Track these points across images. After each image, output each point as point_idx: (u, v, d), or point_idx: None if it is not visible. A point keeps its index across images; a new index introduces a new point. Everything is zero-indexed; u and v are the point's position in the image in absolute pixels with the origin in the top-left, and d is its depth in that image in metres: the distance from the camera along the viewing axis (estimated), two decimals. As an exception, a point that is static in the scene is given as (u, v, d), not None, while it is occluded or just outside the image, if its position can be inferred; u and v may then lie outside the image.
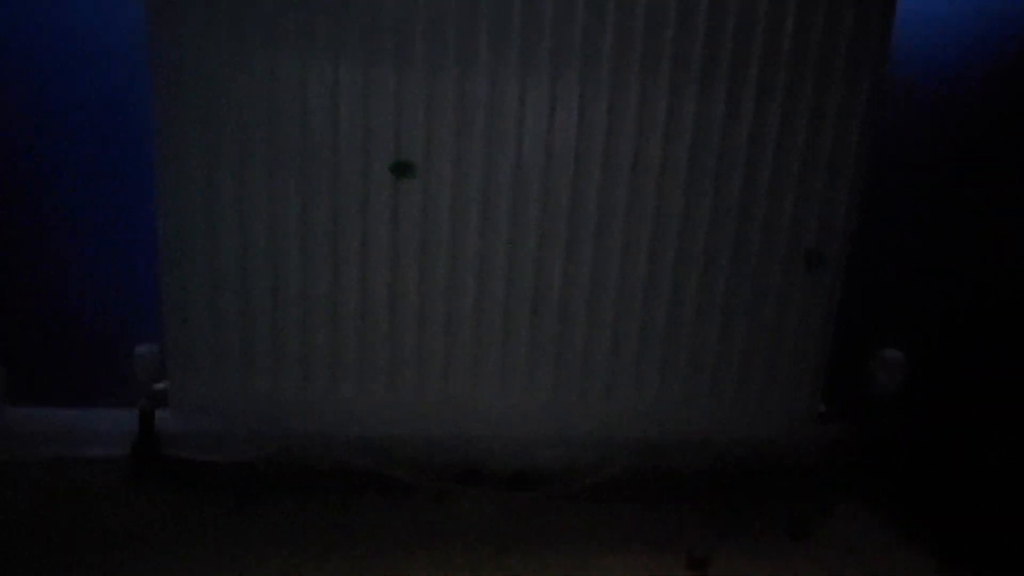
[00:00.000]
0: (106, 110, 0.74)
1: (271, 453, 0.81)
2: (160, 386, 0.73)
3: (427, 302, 0.73)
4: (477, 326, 0.74)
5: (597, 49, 0.69)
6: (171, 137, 0.67)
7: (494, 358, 0.75)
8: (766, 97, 0.72)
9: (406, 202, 0.71)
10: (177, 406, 0.72)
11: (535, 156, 0.71)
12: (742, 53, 0.71)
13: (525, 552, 0.69)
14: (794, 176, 0.74)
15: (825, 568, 0.72)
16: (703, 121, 0.72)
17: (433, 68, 0.68)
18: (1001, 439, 0.83)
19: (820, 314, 0.78)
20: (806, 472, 0.87)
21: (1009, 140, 0.87)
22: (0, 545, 0.64)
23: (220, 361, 0.71)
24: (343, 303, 0.72)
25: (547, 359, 0.76)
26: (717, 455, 0.86)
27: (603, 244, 0.73)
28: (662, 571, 0.68)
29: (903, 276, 0.89)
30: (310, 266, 0.71)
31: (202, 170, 0.68)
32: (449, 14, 0.67)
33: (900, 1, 0.73)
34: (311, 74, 0.67)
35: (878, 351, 0.86)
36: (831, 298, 0.78)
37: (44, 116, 0.74)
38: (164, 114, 0.66)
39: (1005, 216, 0.90)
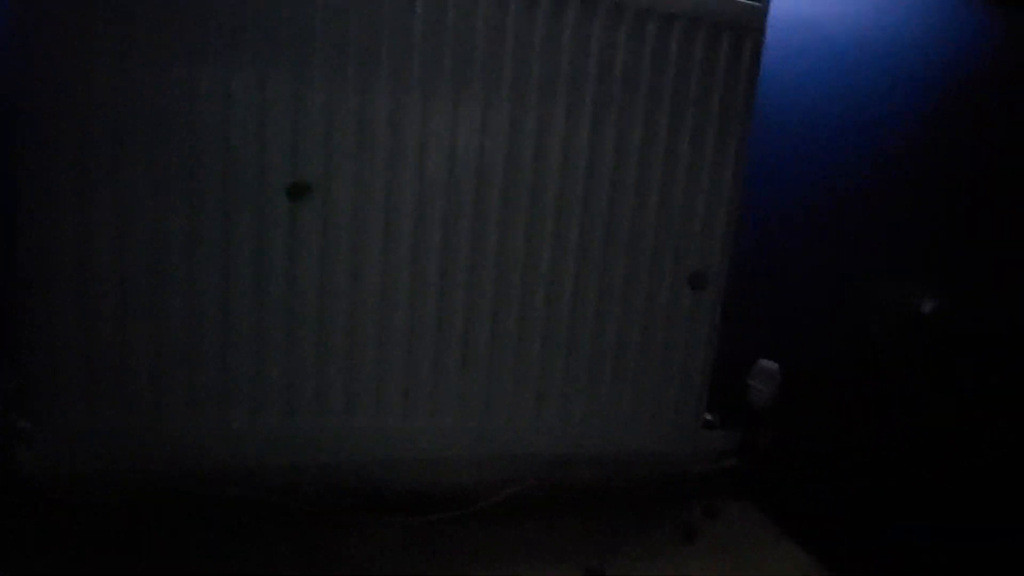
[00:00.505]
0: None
1: (157, 489, 0.76)
2: (24, 424, 0.66)
3: (325, 324, 0.71)
4: (379, 348, 0.73)
5: (498, 78, 0.71)
6: (38, 146, 0.61)
7: (397, 381, 0.75)
8: (651, 136, 0.77)
9: (304, 222, 0.69)
10: (42, 446, 0.66)
11: (438, 178, 0.71)
12: (631, 90, 0.75)
13: (429, 571, 0.69)
14: (678, 207, 0.80)
15: (712, 565, 0.77)
16: (596, 153, 0.76)
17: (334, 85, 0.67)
18: (863, 440, 0.94)
19: (704, 331, 0.84)
20: (696, 478, 0.94)
21: (858, 169, 0.98)
22: None
23: (92, 397, 0.66)
24: (235, 327, 0.69)
25: (450, 382, 0.76)
26: (615, 467, 0.90)
27: (503, 267, 0.75)
28: (560, 585, 0.70)
29: (776, 294, 0.98)
30: (196, 287, 0.67)
31: (74, 199, 0.62)
32: (350, 40, 0.66)
33: (765, 53, 0.81)
34: (201, 85, 0.64)
35: (755, 362, 0.94)
36: (713, 315, 0.85)
37: None
38: (32, 120, 0.60)
39: (864, 238, 1.02)
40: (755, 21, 0.78)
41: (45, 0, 0.59)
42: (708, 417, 0.88)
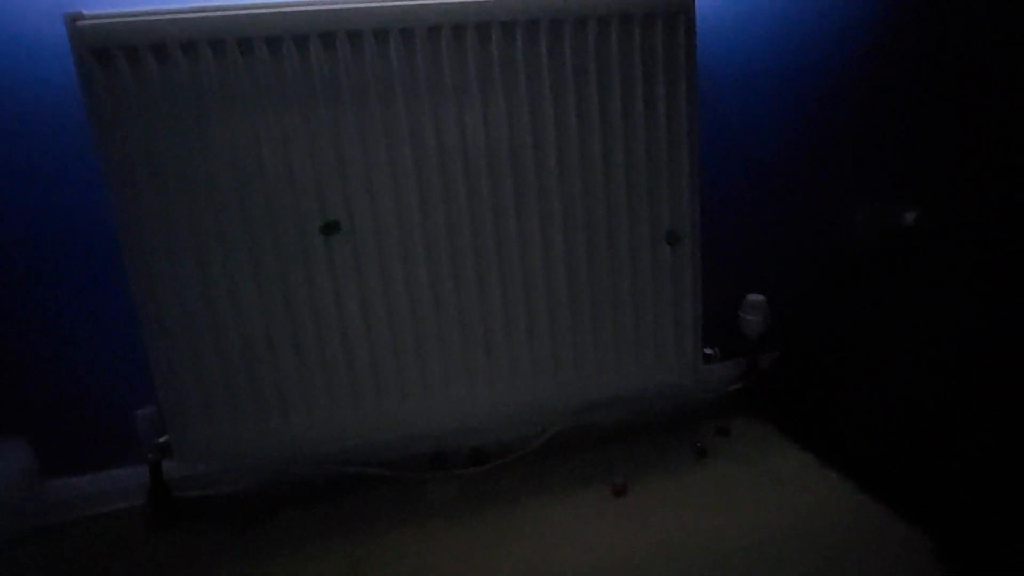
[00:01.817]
0: (74, 213, 0.88)
1: (267, 479, 0.97)
2: (163, 439, 0.88)
3: (373, 332, 0.89)
4: (440, 343, 0.90)
5: (489, 74, 0.84)
6: (131, 227, 0.80)
7: (438, 367, 0.92)
8: (607, 116, 0.89)
9: (340, 251, 0.86)
10: (179, 455, 0.87)
11: (446, 164, 0.86)
12: (582, 81, 0.88)
13: (485, 512, 0.87)
14: (643, 175, 0.92)
15: (725, 473, 0.91)
16: (561, 138, 0.88)
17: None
18: (848, 355, 1.04)
19: (688, 278, 0.97)
20: (707, 406, 1.07)
21: (812, 115, 1.07)
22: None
23: (209, 410, 0.86)
24: (306, 345, 0.87)
25: (481, 361, 0.92)
26: (634, 407, 1.05)
27: (503, 255, 0.90)
28: (592, 502, 0.86)
29: (758, 232, 1.09)
30: (271, 316, 0.86)
31: (166, 252, 0.81)
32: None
33: (702, 25, 0.91)
34: (247, 153, 0.82)
35: (744, 297, 1.06)
36: (694, 264, 0.97)
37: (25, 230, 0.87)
38: (122, 211, 0.79)
39: (832, 179, 1.11)
40: (683, 4, 0.89)
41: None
42: (708, 351, 1.01)
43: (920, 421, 0.88)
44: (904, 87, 1.12)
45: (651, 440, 1.01)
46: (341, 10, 0.80)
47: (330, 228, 0.85)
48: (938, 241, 1.12)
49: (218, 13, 0.77)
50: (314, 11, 0.79)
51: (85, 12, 0.75)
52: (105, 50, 0.75)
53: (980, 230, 1.11)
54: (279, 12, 0.78)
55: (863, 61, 1.08)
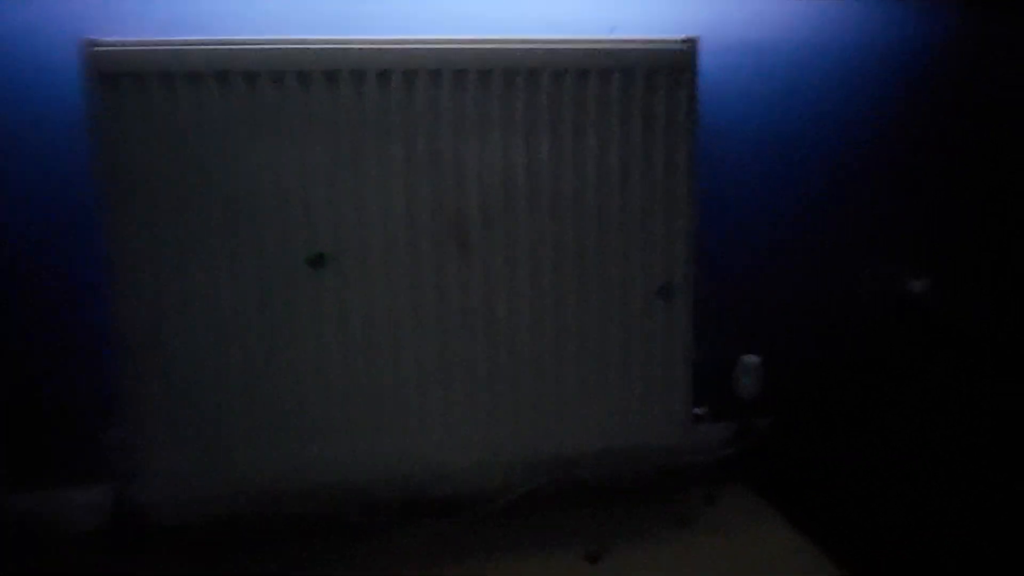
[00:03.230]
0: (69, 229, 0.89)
1: (240, 511, 0.94)
2: (129, 462, 0.85)
3: (350, 372, 0.87)
4: (419, 385, 0.88)
5: (488, 118, 0.84)
6: (121, 251, 0.80)
7: (415, 409, 0.89)
8: (604, 170, 0.89)
9: (324, 285, 0.85)
10: (142, 480, 0.85)
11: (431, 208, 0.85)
12: (581, 124, 0.87)
13: (452, 568, 0.83)
14: (637, 228, 0.91)
15: (707, 545, 0.86)
16: (557, 191, 0.88)
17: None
18: (857, 424, 0.99)
19: (680, 334, 0.94)
20: (695, 470, 1.02)
21: (819, 173, 1.06)
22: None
23: (177, 435, 0.84)
24: (280, 377, 0.86)
25: (460, 405, 0.90)
26: (617, 465, 1.00)
27: (490, 304, 0.89)
28: (563, 568, 0.81)
29: (754, 294, 1.07)
30: (248, 347, 0.85)
31: (152, 274, 0.81)
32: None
33: (707, 81, 0.92)
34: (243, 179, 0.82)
35: (739, 357, 1.03)
36: (687, 319, 0.94)
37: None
38: (113, 230, 0.79)
39: (839, 242, 1.08)
40: (685, 61, 0.89)
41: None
42: (698, 411, 0.97)
43: (919, 508, 0.83)
44: (920, 149, 1.10)
45: (632, 503, 0.96)
46: (347, 50, 0.81)
47: (316, 261, 0.84)
48: (946, 313, 1.08)
49: (225, 47, 0.79)
50: (318, 50, 0.81)
51: (100, 39, 0.77)
52: (115, 76, 0.77)
53: (991, 303, 1.07)
54: (280, 48, 0.80)
55: (874, 125, 1.07)
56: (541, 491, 0.97)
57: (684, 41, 0.90)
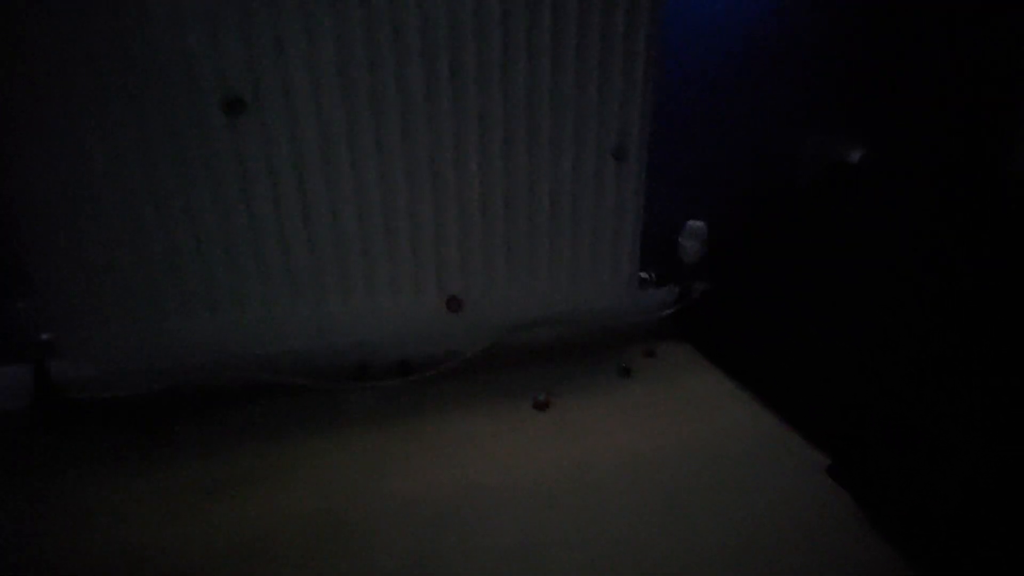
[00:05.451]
0: None
1: (176, 382, 0.91)
2: (46, 336, 0.79)
3: (312, 224, 0.81)
4: (363, 245, 0.84)
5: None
6: (12, 120, 0.68)
7: (360, 272, 0.86)
8: (563, 21, 0.81)
9: (245, 133, 0.77)
10: (63, 354, 0.79)
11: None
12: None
13: (404, 422, 0.85)
14: (594, 91, 0.86)
15: (645, 390, 0.92)
16: (510, 28, 0.80)
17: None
18: (787, 285, 1.05)
19: (630, 198, 0.94)
20: (639, 329, 1.08)
21: (770, 49, 1.02)
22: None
23: (96, 306, 0.78)
24: (209, 237, 0.79)
25: (407, 268, 0.87)
26: (567, 326, 1.04)
27: (436, 152, 0.83)
28: (512, 413, 0.86)
29: (700, 159, 1.06)
30: (164, 202, 0.76)
31: (50, 141, 0.70)
32: None
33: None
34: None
35: (685, 222, 1.05)
36: (638, 183, 0.93)
37: None
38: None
39: (782, 111, 1.07)
40: None
41: None
42: (644, 275, 1.00)
43: (837, 353, 0.91)
44: (859, 20, 1.07)
45: (578, 359, 1.01)
46: None
47: (233, 106, 0.74)
48: (880, 182, 1.12)
49: None
50: None
51: None
52: None
53: (926, 174, 1.12)
54: None
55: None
56: (492, 352, 1.00)
57: None
